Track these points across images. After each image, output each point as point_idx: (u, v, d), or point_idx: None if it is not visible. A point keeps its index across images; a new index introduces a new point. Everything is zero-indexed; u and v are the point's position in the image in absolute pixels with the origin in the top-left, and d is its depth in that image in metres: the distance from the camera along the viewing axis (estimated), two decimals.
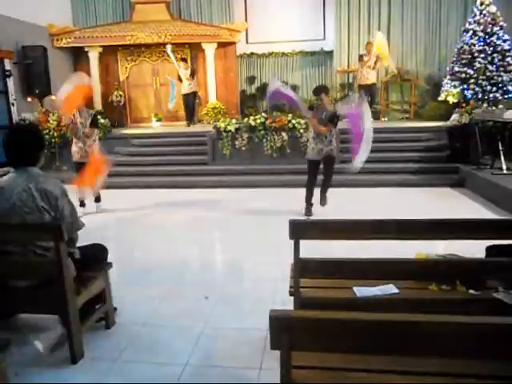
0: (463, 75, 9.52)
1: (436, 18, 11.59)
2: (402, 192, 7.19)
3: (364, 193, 7.14)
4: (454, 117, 8.53)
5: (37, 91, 9.80)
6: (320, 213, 5.86)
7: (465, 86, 9.48)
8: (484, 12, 9.54)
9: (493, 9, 9.55)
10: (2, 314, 3.00)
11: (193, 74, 10.62)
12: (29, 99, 9.86)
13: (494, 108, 8.51)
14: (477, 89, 9.37)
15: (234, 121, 8.72)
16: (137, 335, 3.00)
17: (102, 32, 11.27)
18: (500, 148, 6.83)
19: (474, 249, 2.75)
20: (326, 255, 2.58)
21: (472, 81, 9.40)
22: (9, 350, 2.10)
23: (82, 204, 6.31)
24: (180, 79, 10.55)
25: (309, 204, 5.92)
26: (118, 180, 7.92)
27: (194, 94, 10.88)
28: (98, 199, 6.47)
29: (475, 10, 9.74)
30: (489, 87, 9.31)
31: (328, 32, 12.40)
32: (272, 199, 6.94)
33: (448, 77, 9.99)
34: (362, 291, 2.56)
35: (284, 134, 8.27)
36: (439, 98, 10.07)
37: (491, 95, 9.30)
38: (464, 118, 8.07)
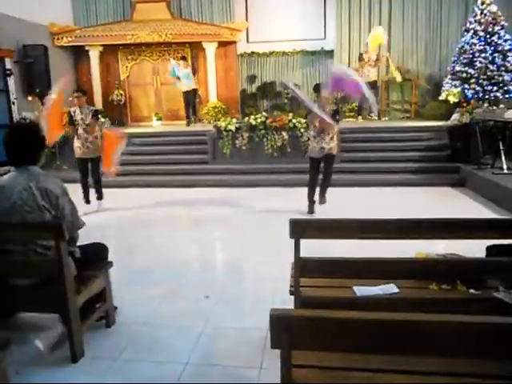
0: (464, 75, 9.51)
1: (437, 17, 11.58)
2: (402, 191, 7.18)
3: (365, 192, 7.14)
4: (455, 116, 8.53)
5: (37, 90, 9.78)
6: (321, 212, 5.87)
7: (465, 86, 9.47)
8: (485, 11, 9.54)
9: (494, 8, 9.55)
10: (3, 313, 3.01)
11: (194, 73, 10.61)
12: (29, 98, 9.86)
13: (494, 108, 8.51)
14: (477, 88, 9.36)
15: (234, 120, 8.72)
16: (137, 334, 3.00)
17: (102, 31, 11.27)
18: (501, 148, 6.82)
19: (474, 248, 2.75)
20: (326, 254, 2.58)
21: (473, 80, 9.40)
22: (9, 349, 2.10)
23: (88, 201, 6.35)
24: (178, 78, 10.53)
25: (311, 202, 5.93)
26: (118, 179, 7.89)
27: (195, 91, 10.87)
28: (100, 197, 6.49)
29: (476, 9, 9.73)
30: (489, 87, 9.30)
31: (329, 31, 12.39)
32: (272, 198, 6.95)
33: (449, 76, 9.99)
34: (362, 290, 2.56)
35: (284, 133, 8.27)
36: (440, 98, 10.07)
37: (492, 95, 9.30)
38: (465, 118, 8.07)
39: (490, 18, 9.47)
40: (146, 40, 11.13)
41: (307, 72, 12.72)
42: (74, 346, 2.65)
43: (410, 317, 1.38)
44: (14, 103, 9.42)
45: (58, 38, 11.09)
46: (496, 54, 9.32)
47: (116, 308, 3.23)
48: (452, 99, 9.60)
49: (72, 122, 6.16)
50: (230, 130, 8.42)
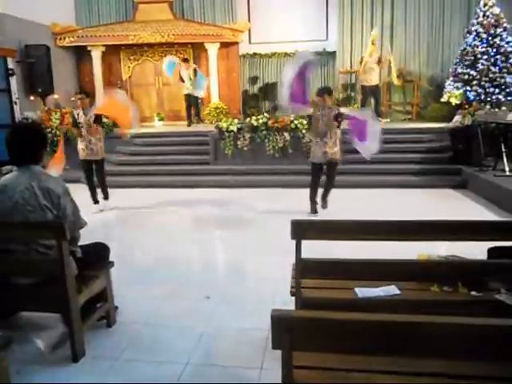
0: (466, 76, 9.50)
1: (439, 18, 11.57)
2: (403, 193, 7.18)
3: (366, 194, 7.13)
4: (457, 118, 8.52)
5: (39, 90, 9.82)
6: (322, 213, 5.87)
7: (467, 88, 9.45)
8: (487, 13, 9.52)
9: (496, 10, 9.53)
10: (4, 312, 3.01)
11: (195, 72, 10.58)
12: (31, 98, 9.88)
13: (496, 110, 8.50)
14: (479, 90, 9.35)
15: (236, 121, 8.72)
16: (138, 334, 3.01)
17: (104, 31, 11.29)
18: (503, 150, 6.82)
19: (476, 250, 2.75)
20: (327, 256, 2.57)
21: (475, 82, 9.38)
22: (10, 348, 2.10)
23: (96, 201, 6.39)
24: (182, 80, 10.53)
25: (313, 202, 5.93)
26: (120, 179, 7.93)
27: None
28: (106, 197, 6.54)
29: (478, 11, 9.72)
30: (492, 89, 9.28)
31: (331, 33, 12.39)
32: (274, 199, 6.94)
33: (451, 78, 9.97)
34: (364, 292, 2.56)
35: (286, 134, 8.27)
36: (442, 100, 10.05)
37: (494, 97, 9.28)
38: (467, 120, 8.06)
39: (492, 20, 9.45)
40: (148, 40, 11.14)
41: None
42: (74, 345, 2.66)
43: (411, 318, 1.38)
44: (16, 103, 9.43)
45: (61, 38, 11.11)
46: (498, 56, 9.30)
47: (117, 308, 3.24)
48: (454, 101, 9.59)
49: (76, 124, 6.18)
50: (232, 131, 8.42)
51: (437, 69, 11.68)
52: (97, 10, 12.53)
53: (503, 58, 9.31)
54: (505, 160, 6.75)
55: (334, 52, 12.26)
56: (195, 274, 4.24)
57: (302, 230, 2.40)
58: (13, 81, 9.39)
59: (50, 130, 8.89)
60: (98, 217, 6.18)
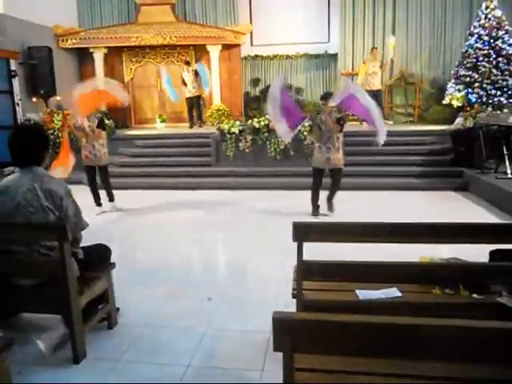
0: (468, 79, 9.49)
1: (441, 21, 11.57)
2: (405, 195, 7.17)
3: (368, 196, 7.13)
4: (459, 120, 8.52)
5: (42, 91, 9.84)
6: (324, 215, 5.87)
7: (469, 90, 9.45)
8: (489, 16, 9.52)
9: (498, 13, 9.53)
10: (6, 313, 3.02)
11: (197, 74, 10.60)
12: (34, 99, 9.90)
13: (498, 112, 8.50)
14: (481, 93, 9.34)
15: (237, 123, 8.73)
16: (139, 336, 3.01)
17: (107, 33, 11.32)
18: (504, 152, 6.81)
19: (477, 253, 2.75)
20: (329, 258, 2.57)
21: (476, 85, 9.37)
22: (12, 349, 2.10)
23: (99, 204, 6.40)
24: (184, 83, 10.55)
25: (315, 205, 5.93)
26: (121, 181, 7.94)
27: (198, 97, 10.86)
28: (111, 199, 6.56)
29: (480, 13, 9.72)
30: (493, 91, 9.28)
31: (332, 35, 12.40)
32: (275, 201, 6.94)
33: (452, 80, 9.96)
34: (365, 294, 2.56)
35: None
36: (443, 102, 10.05)
37: (496, 99, 9.27)
38: (468, 122, 8.05)
39: (494, 23, 9.45)
40: (151, 42, 11.17)
41: (311, 76, 12.74)
42: (76, 346, 2.66)
43: (412, 321, 1.38)
44: (18, 104, 9.45)
45: (63, 40, 11.14)
46: (500, 59, 9.30)
47: (118, 309, 3.24)
48: (455, 103, 9.59)
49: (78, 127, 6.19)
50: (234, 133, 8.43)
51: (438, 71, 11.68)
52: (99, 12, 12.58)
53: (505, 61, 9.30)
54: (506, 162, 6.74)
55: (336, 54, 12.27)
56: (196, 275, 4.25)
57: (303, 232, 2.40)
58: (15, 82, 9.41)
59: (52, 131, 8.91)
60: (100, 218, 6.19)
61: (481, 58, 9.40)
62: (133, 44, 11.22)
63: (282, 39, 12.29)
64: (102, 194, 6.51)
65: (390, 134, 8.91)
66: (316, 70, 12.69)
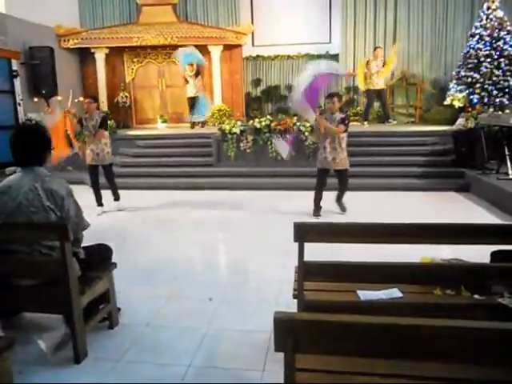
0: (469, 80, 9.48)
1: (442, 21, 11.57)
2: (406, 196, 7.17)
3: (369, 196, 7.13)
4: (460, 121, 8.51)
5: (43, 92, 9.85)
6: (326, 216, 5.87)
7: (471, 91, 9.44)
8: (491, 16, 9.51)
9: (500, 13, 9.52)
10: (7, 313, 3.02)
11: (197, 74, 10.60)
12: (35, 99, 9.91)
13: (500, 113, 8.49)
14: (483, 93, 9.33)
15: (239, 123, 8.73)
16: (140, 336, 3.01)
17: (108, 33, 11.33)
18: (506, 153, 6.80)
19: (478, 254, 2.74)
20: (330, 258, 2.57)
21: (478, 85, 9.36)
22: (13, 349, 2.11)
23: (100, 204, 6.41)
24: (186, 81, 10.58)
25: (317, 205, 5.93)
26: (122, 181, 7.93)
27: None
28: (117, 198, 6.60)
29: (482, 14, 9.70)
30: (495, 92, 9.27)
31: (334, 35, 12.40)
32: (276, 201, 6.94)
33: (454, 81, 9.95)
34: (366, 295, 2.56)
35: (289, 136, 8.26)
36: (445, 103, 10.03)
37: (497, 100, 9.26)
38: (470, 123, 8.04)
39: (495, 23, 9.44)
40: (152, 43, 11.18)
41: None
42: (77, 346, 2.66)
43: (413, 321, 1.38)
44: (19, 104, 9.46)
45: (65, 40, 11.15)
46: (502, 59, 9.28)
47: (119, 309, 3.24)
48: (457, 104, 9.57)
49: (82, 123, 6.23)
50: (235, 133, 8.43)
51: (440, 72, 11.67)
52: (101, 12, 12.59)
53: (506, 61, 9.29)
54: (508, 163, 6.73)
55: (337, 55, 12.26)
56: (197, 275, 4.25)
57: (304, 233, 2.39)
58: (17, 82, 9.42)
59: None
60: (101, 218, 6.20)
61: (482, 59, 9.39)
62: (134, 44, 11.23)
63: (283, 40, 12.28)
64: (105, 194, 6.52)
65: (391, 134, 9.04)
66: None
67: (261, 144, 8.39)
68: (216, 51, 11.42)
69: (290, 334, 1.41)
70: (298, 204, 6.45)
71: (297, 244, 2.40)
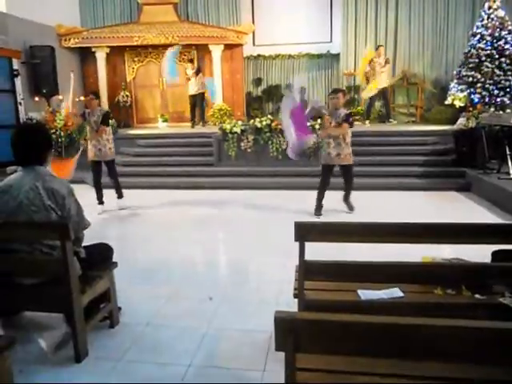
0: (470, 79, 9.47)
1: (443, 21, 11.56)
2: (407, 195, 7.16)
3: (370, 196, 7.11)
4: (461, 121, 8.50)
5: (44, 91, 9.85)
6: (327, 215, 5.87)
7: (472, 90, 9.43)
8: (492, 16, 9.50)
9: (501, 13, 9.51)
10: (8, 312, 3.02)
11: (197, 72, 10.60)
12: (36, 99, 9.91)
13: (501, 112, 8.48)
14: (484, 93, 9.31)
15: (239, 122, 8.73)
16: (141, 335, 3.01)
17: (109, 33, 11.33)
18: (507, 153, 6.79)
19: (479, 253, 2.74)
20: (331, 258, 2.57)
21: (479, 85, 9.35)
22: (13, 348, 2.11)
23: (101, 202, 6.42)
24: (189, 78, 10.59)
25: (319, 205, 5.92)
26: (123, 180, 7.91)
27: (202, 95, 10.86)
28: (120, 196, 6.64)
29: (483, 14, 9.69)
30: (496, 91, 9.26)
31: (335, 35, 12.39)
32: (277, 201, 6.94)
33: (455, 80, 9.94)
34: (367, 294, 2.56)
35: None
36: (446, 102, 10.03)
37: (498, 99, 9.25)
38: (471, 122, 8.03)
39: (497, 23, 9.43)
40: (153, 42, 11.18)
41: (313, 75, 12.73)
42: (77, 345, 2.66)
43: (414, 321, 1.37)
44: (20, 103, 9.47)
45: (65, 39, 11.16)
46: (503, 59, 9.27)
47: (120, 308, 3.24)
48: (458, 103, 9.57)
49: (85, 117, 6.26)
50: (236, 133, 8.43)
51: (441, 71, 11.66)
52: (101, 12, 12.60)
53: (508, 61, 9.28)
54: (509, 163, 6.72)
55: (338, 54, 12.26)
56: (198, 275, 4.25)
57: (305, 232, 2.39)
58: (18, 81, 9.43)
59: (54, 130, 8.91)
60: (102, 217, 6.20)
61: (483, 58, 9.38)
62: (135, 43, 11.23)
63: (284, 39, 12.28)
64: (106, 193, 6.52)
65: (392, 134, 9.03)
66: (318, 70, 12.68)
67: (261, 144, 8.39)
68: (217, 51, 11.41)
69: (290, 334, 1.41)
70: (298, 203, 6.45)
71: (297, 244, 2.40)
